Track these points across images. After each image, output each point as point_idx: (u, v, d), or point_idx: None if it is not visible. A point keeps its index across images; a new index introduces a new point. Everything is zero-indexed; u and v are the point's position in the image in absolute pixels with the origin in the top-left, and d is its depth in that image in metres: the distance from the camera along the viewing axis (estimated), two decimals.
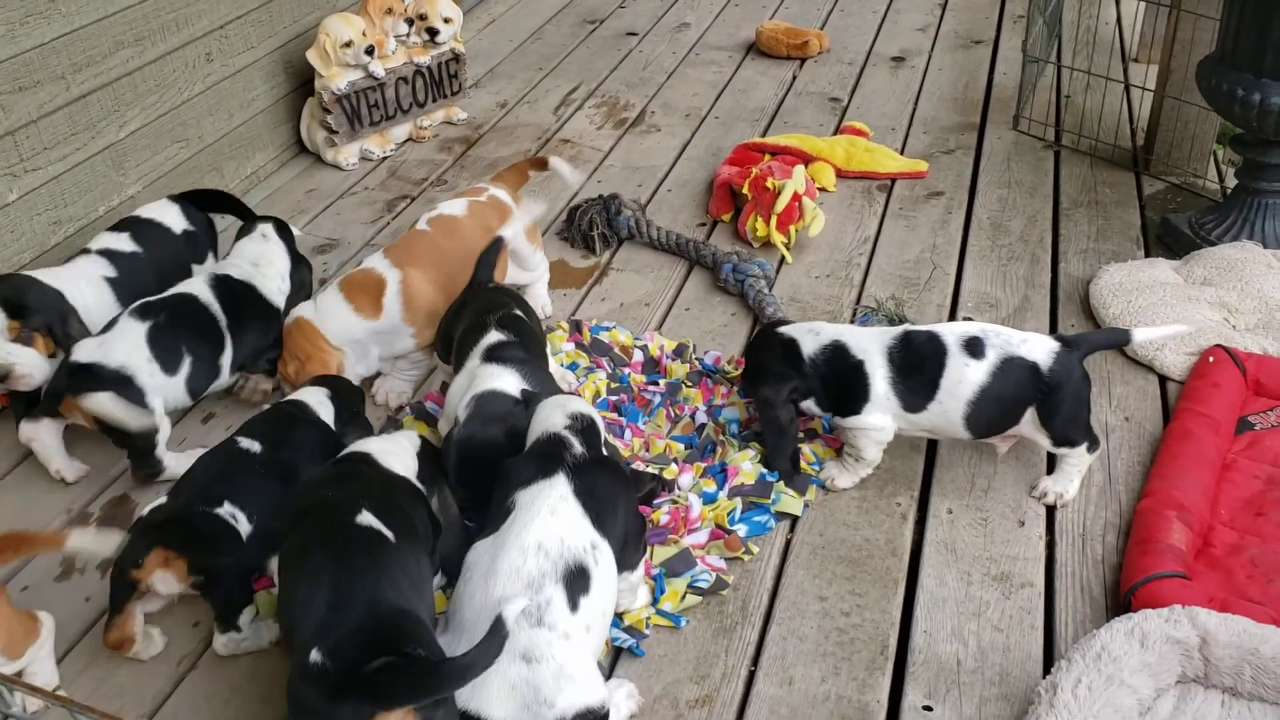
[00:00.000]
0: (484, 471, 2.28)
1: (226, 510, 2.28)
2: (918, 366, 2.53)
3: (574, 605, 1.95)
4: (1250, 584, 2.36)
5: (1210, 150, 4.02)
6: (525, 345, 2.58)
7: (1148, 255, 3.55)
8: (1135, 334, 2.73)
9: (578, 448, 2.18)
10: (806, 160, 3.98)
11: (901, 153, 4.23)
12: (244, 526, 2.29)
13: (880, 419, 2.56)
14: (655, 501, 2.56)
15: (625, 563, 2.15)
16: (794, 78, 4.98)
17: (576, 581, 1.97)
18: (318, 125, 4.26)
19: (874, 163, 4.09)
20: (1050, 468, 2.69)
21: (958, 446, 2.77)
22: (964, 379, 2.49)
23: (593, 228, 3.62)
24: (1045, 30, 4.58)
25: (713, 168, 4.10)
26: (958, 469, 2.71)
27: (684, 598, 2.36)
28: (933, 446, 2.78)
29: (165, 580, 2.20)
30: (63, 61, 3.28)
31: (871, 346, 2.57)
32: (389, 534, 1.99)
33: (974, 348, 2.51)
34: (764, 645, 2.30)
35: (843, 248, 3.65)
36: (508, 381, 2.47)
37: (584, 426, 2.24)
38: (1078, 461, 2.60)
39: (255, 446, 2.41)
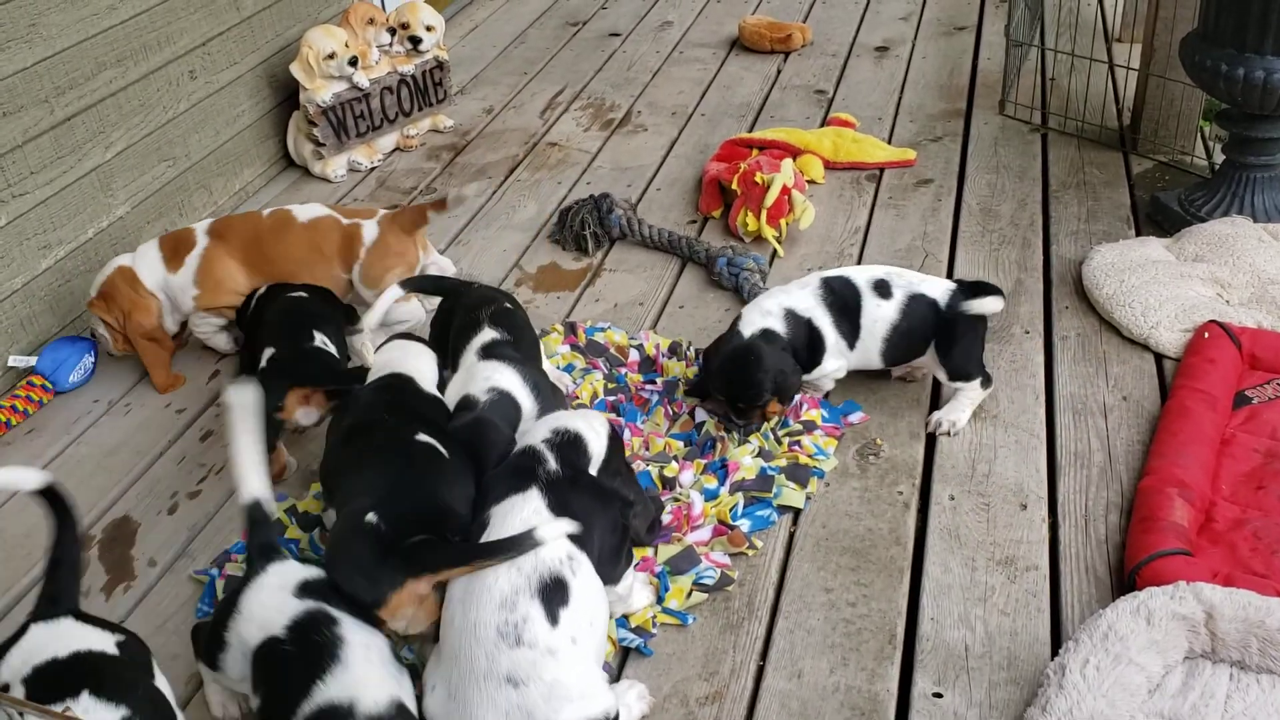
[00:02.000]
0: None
1: (320, 340, 2.73)
2: (844, 311, 2.76)
3: (554, 619, 1.91)
4: (1254, 557, 2.36)
5: (1196, 127, 4.02)
6: (518, 344, 2.59)
7: (1139, 234, 3.56)
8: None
9: (552, 464, 2.15)
10: (794, 153, 3.98)
11: (889, 142, 4.23)
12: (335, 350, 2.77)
13: (836, 361, 2.79)
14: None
15: (605, 577, 2.10)
16: (778, 72, 4.98)
17: (554, 594, 1.93)
18: (304, 138, 4.26)
19: (862, 153, 4.09)
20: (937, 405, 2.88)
21: (970, 425, 2.78)
22: (879, 318, 2.74)
23: (584, 228, 3.62)
24: (1027, 14, 4.59)
25: (701, 165, 4.10)
26: (958, 455, 2.72)
27: (689, 595, 2.36)
28: (933, 435, 2.78)
29: (307, 413, 2.65)
30: (45, 85, 3.27)
31: (809, 302, 2.77)
32: (444, 451, 2.23)
33: (882, 289, 2.75)
34: (772, 639, 2.30)
35: (834, 239, 3.66)
36: (512, 382, 2.47)
37: (563, 442, 2.20)
38: (970, 394, 2.77)
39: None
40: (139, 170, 3.68)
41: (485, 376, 2.46)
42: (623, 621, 2.29)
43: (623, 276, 3.53)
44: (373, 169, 4.37)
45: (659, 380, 2.95)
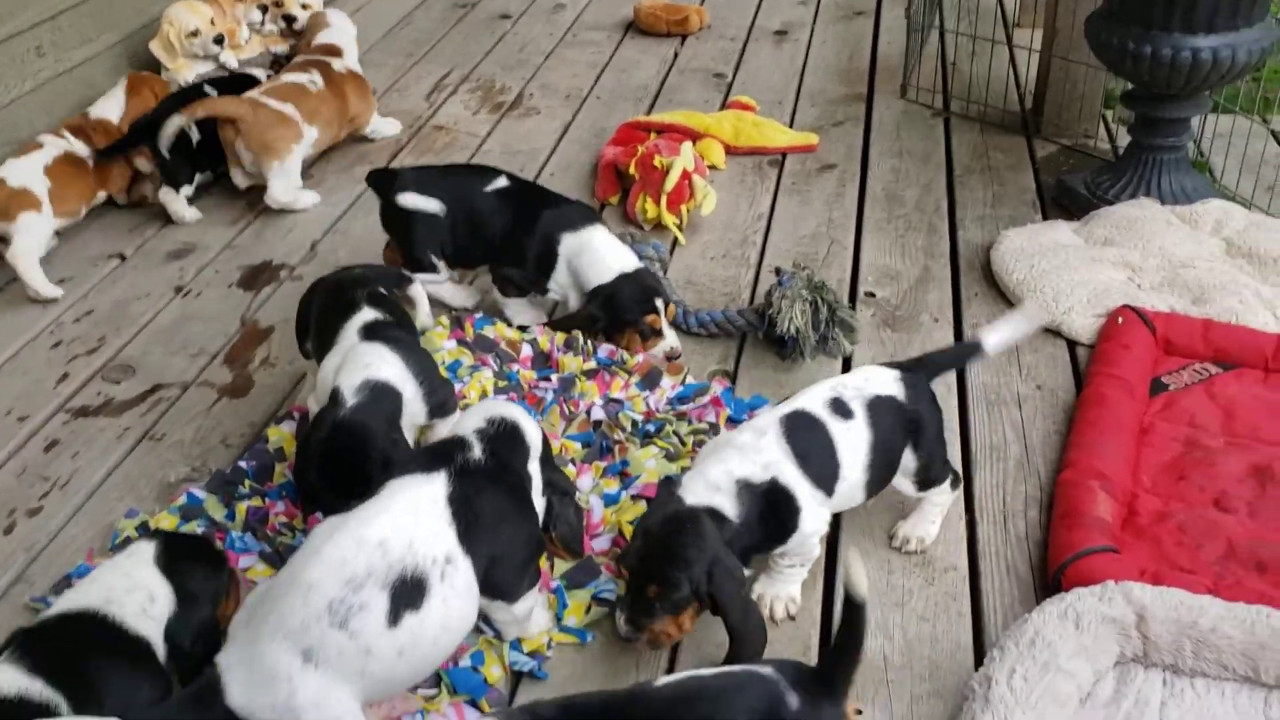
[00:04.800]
0: (356, 467, 2.09)
1: None
2: (814, 452, 2.11)
3: (394, 619, 1.73)
4: (1180, 552, 2.26)
5: (1099, 110, 3.96)
6: (401, 324, 2.40)
7: (1045, 218, 3.47)
8: (986, 341, 2.32)
9: (475, 453, 1.96)
10: (694, 137, 3.81)
11: (790, 127, 4.08)
12: None
13: (818, 516, 2.12)
14: None
15: (497, 589, 1.91)
16: (675, 55, 4.81)
17: (407, 594, 1.74)
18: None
19: (763, 137, 3.94)
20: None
21: None
22: (854, 444, 2.13)
23: None
24: None
25: (596, 149, 3.90)
26: None
27: (589, 610, 2.16)
28: None
29: None
30: None
31: (771, 455, 2.07)
32: None
33: (840, 408, 2.14)
34: (678, 654, 2.11)
35: (737, 226, 3.49)
36: (391, 367, 2.25)
37: (498, 434, 2.01)
38: (941, 501, 2.29)
39: None
40: None
41: (365, 364, 2.24)
42: (515, 644, 2.08)
43: None
44: None
45: (554, 377, 2.74)
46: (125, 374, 2.94)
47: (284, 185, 3.56)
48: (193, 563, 1.97)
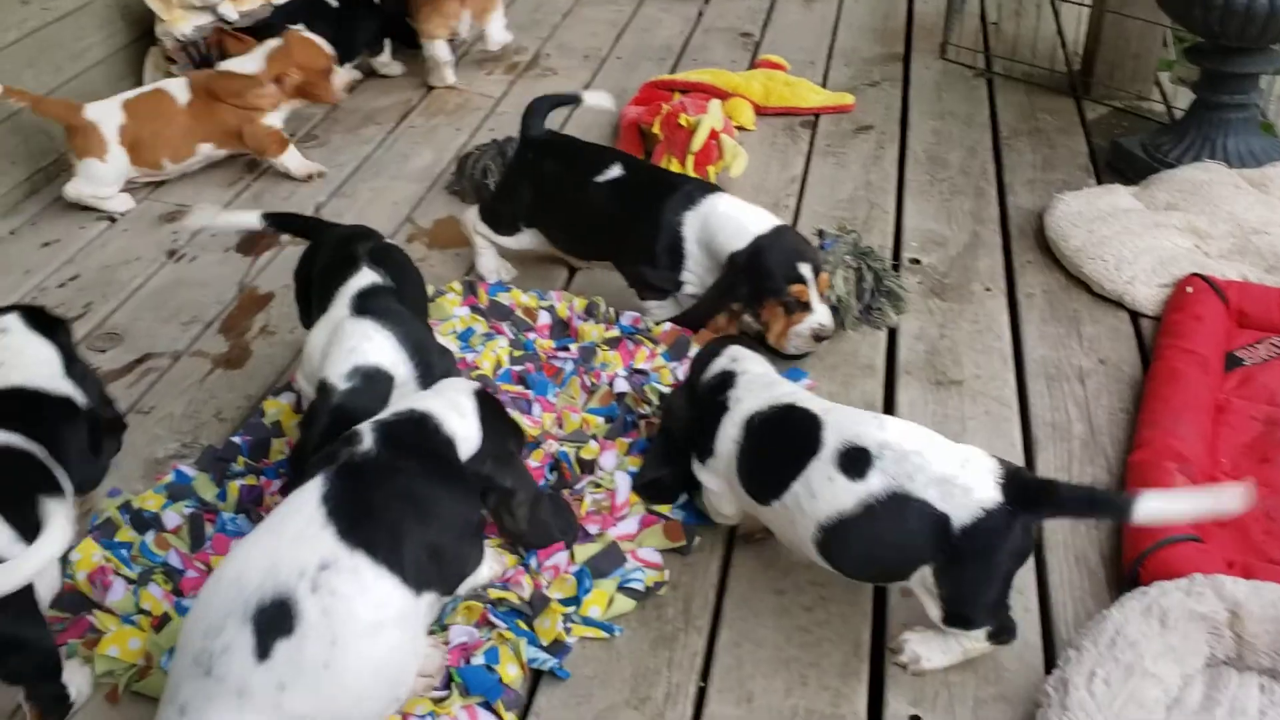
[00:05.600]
0: None
1: None
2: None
3: (264, 651, 1.50)
4: (1269, 541, 2.04)
5: (1154, 70, 3.72)
6: (402, 289, 2.16)
7: (1100, 183, 3.23)
8: (1137, 507, 1.69)
9: (365, 445, 1.73)
10: (721, 96, 3.58)
11: (823, 87, 3.84)
12: None
13: (711, 479, 2.00)
14: (576, 487, 2.15)
15: (427, 581, 1.66)
16: (700, 14, 4.57)
17: (273, 620, 1.52)
18: (162, 78, 3.72)
19: (795, 97, 3.70)
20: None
21: (934, 394, 2.42)
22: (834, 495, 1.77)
23: (486, 176, 3.16)
24: None
25: (618, 110, 3.67)
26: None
27: (613, 602, 1.95)
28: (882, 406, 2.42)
29: None
30: None
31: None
32: None
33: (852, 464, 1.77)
34: (714, 655, 1.90)
35: (769, 189, 3.26)
36: (380, 350, 2.03)
37: (399, 421, 1.79)
38: (968, 645, 1.82)
39: None
40: None
41: (351, 347, 2.02)
42: (532, 638, 1.87)
43: None
44: None
45: (573, 346, 2.52)
46: (112, 342, 2.73)
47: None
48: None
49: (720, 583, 2.02)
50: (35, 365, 2.07)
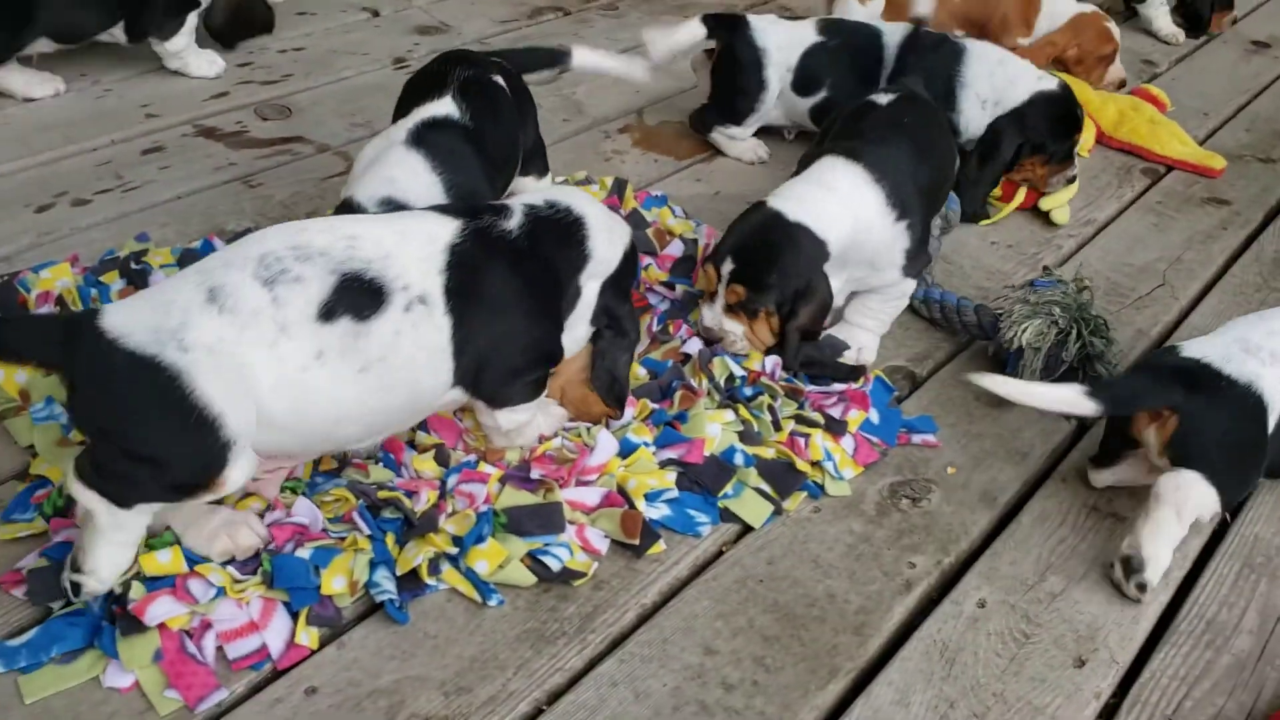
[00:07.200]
0: None
1: None
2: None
3: (328, 312, 1.41)
4: None
5: None
6: (481, 130, 1.89)
7: None
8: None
9: (510, 224, 1.61)
10: None
11: (1200, 143, 3.09)
12: None
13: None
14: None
15: (479, 386, 1.58)
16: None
17: (354, 294, 1.42)
18: None
19: (1152, 138, 2.99)
20: None
21: (1047, 519, 1.80)
22: None
23: None
24: None
25: None
26: (1029, 553, 1.74)
27: (507, 565, 1.56)
28: (1007, 507, 1.83)
29: None
30: None
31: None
32: None
33: None
34: (579, 683, 1.48)
35: (1048, 223, 2.64)
36: (421, 189, 1.76)
37: (549, 219, 1.67)
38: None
39: None
40: None
41: (389, 176, 1.78)
42: (387, 559, 1.53)
43: (742, 169, 2.68)
44: None
45: (681, 288, 2.11)
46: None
47: None
48: None
49: (651, 608, 1.58)
50: None
